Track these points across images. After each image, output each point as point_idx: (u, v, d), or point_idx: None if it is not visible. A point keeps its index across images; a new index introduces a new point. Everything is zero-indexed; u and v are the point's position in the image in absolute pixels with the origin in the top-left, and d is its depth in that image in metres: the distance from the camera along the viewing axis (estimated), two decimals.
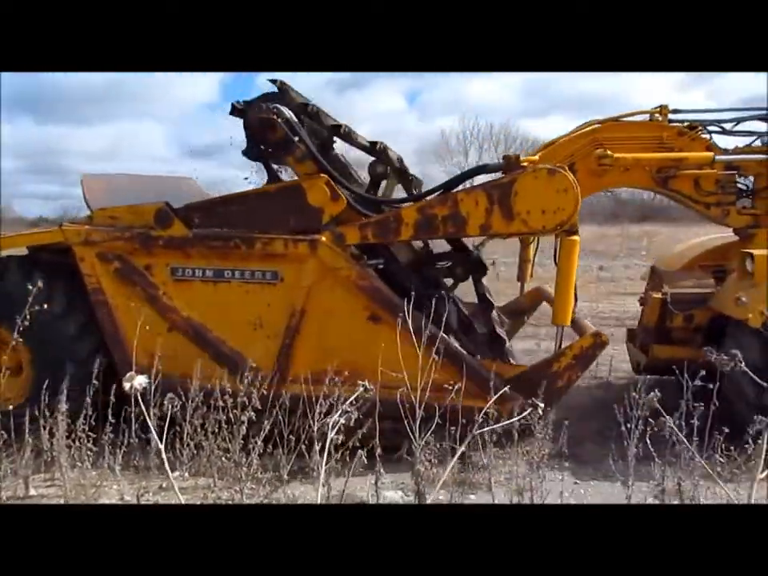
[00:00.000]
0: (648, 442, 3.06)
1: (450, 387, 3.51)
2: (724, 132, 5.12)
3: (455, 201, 4.38)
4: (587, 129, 5.16)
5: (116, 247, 4.53)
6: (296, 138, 4.51)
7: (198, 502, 3.61)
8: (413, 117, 79.48)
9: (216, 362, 4.44)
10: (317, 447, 3.24)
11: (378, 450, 3.39)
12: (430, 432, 3.31)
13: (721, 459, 3.35)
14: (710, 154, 4.92)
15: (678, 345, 5.06)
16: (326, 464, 2.77)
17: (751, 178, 5.01)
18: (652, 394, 2.91)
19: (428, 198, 4.64)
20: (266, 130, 4.53)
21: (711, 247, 5.66)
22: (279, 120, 4.51)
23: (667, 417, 2.80)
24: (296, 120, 4.66)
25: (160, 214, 4.52)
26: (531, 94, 78.31)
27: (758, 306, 4.28)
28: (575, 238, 4.42)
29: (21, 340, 3.90)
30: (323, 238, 4.37)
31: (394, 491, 3.93)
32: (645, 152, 4.90)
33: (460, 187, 4.71)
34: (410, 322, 3.79)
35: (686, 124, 5.13)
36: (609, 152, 4.74)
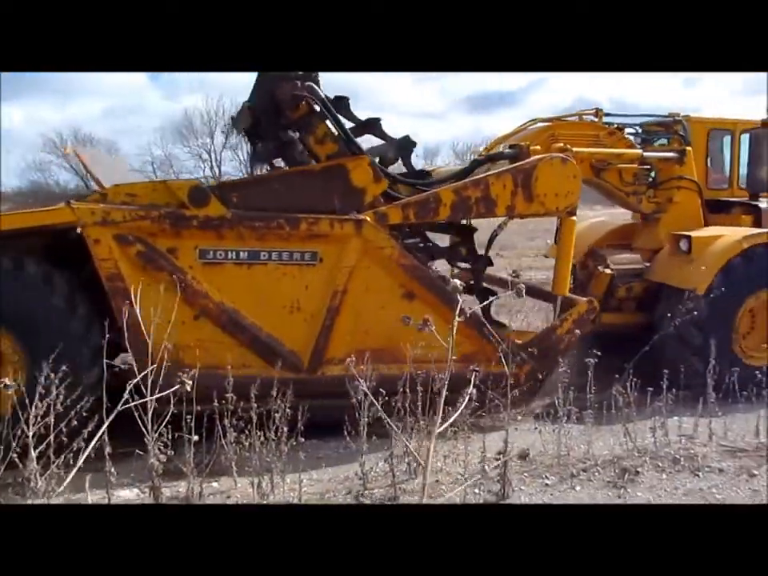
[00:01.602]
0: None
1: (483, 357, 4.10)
2: (637, 134, 6.36)
3: (487, 184, 4.67)
4: (545, 125, 6.03)
5: (139, 228, 4.10)
6: (323, 119, 4.52)
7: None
8: (156, 94, 79.50)
9: (250, 349, 4.29)
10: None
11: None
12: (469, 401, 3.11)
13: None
14: (639, 151, 5.88)
15: (620, 312, 5.98)
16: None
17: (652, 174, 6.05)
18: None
19: (462, 181, 4.79)
20: (294, 106, 4.45)
21: (612, 228, 6.80)
22: (314, 98, 4.46)
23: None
24: (328, 103, 4.59)
25: (195, 191, 4.20)
26: None
27: (701, 278, 5.34)
28: (574, 218, 5.02)
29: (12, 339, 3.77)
30: (367, 218, 4.37)
31: None
32: (586, 147, 5.60)
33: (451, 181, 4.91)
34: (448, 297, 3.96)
35: (615, 126, 6.13)
36: (568, 146, 5.16)
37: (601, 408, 4.09)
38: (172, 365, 3.39)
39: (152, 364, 3.10)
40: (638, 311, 5.96)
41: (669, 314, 5.10)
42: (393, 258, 4.43)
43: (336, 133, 4.56)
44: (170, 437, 3.15)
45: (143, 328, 3.49)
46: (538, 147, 5.06)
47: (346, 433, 3.68)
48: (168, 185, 4.27)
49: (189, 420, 3.35)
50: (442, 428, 2.53)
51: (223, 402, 3.48)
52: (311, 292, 4.36)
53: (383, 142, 4.99)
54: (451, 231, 5.30)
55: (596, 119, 6.26)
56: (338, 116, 4.62)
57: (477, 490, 3.54)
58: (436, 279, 4.59)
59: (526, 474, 3.73)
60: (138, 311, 3.45)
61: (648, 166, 5.95)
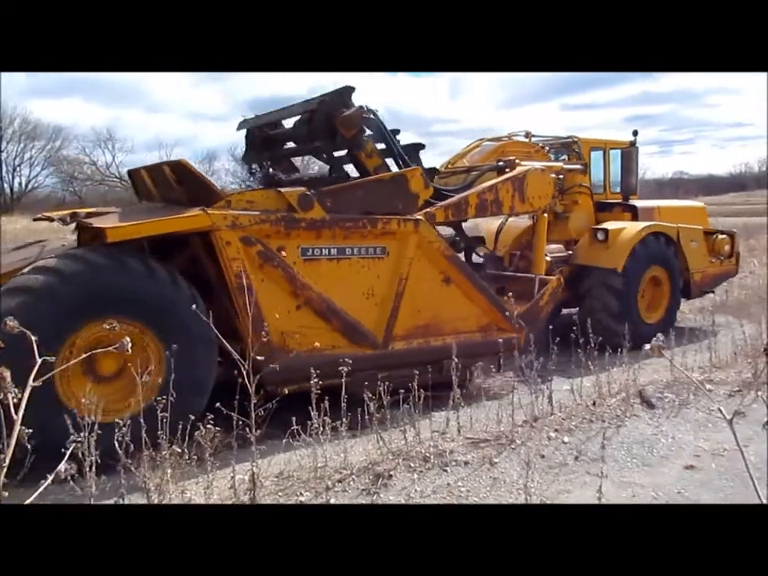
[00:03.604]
0: None
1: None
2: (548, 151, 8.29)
3: (497, 189, 6.05)
4: (497, 144, 7.89)
5: (260, 230, 4.66)
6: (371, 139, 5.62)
7: None
8: None
9: (339, 331, 5.01)
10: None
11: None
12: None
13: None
14: (560, 164, 7.62)
15: None
16: None
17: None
18: None
19: (480, 186, 6.07)
20: (354, 127, 5.40)
21: (529, 225, 7.82)
22: (376, 121, 5.63)
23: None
24: (384, 126, 5.75)
25: (304, 198, 4.87)
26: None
27: (618, 259, 7.31)
28: (546, 215, 6.84)
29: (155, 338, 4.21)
30: (422, 218, 5.38)
31: None
32: (525, 161, 6.81)
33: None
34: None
35: (540, 144, 8.09)
36: (517, 160, 6.55)
37: (355, 416, 4.11)
38: (279, 349, 4.55)
39: (271, 349, 4.27)
40: (566, 289, 7.21)
41: (590, 293, 7.28)
42: (439, 250, 5.48)
43: (377, 149, 5.68)
44: None
45: (264, 318, 4.52)
46: (515, 159, 6.52)
47: None
48: (280, 192, 4.88)
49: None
50: None
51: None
52: (381, 280, 5.23)
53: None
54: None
55: (526, 139, 8.19)
56: (391, 135, 5.77)
57: None
58: (467, 266, 5.95)
59: (280, 494, 3.61)
60: (260, 304, 4.43)
61: (561, 176, 7.42)
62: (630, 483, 3.79)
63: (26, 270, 4.17)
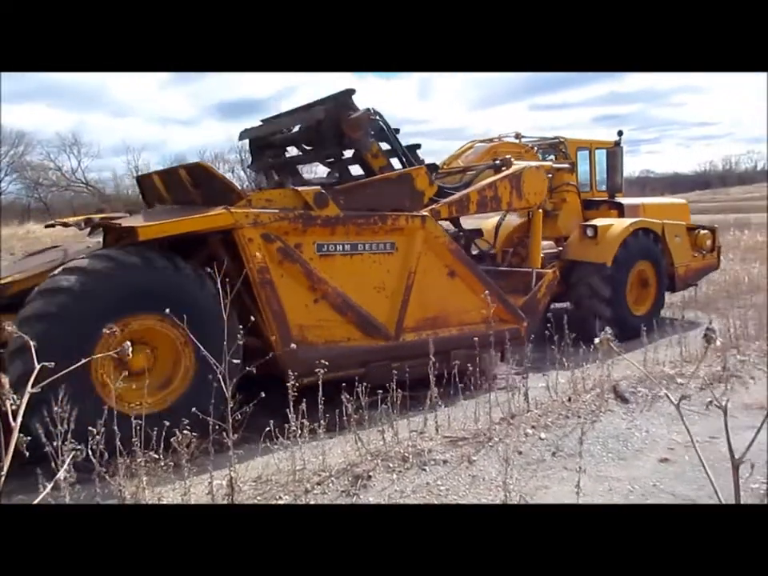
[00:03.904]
0: None
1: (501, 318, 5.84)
2: (552, 153, 8.79)
3: (496, 186, 6.34)
4: (490, 145, 8.31)
5: (279, 227, 4.82)
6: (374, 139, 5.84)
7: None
8: None
9: (353, 324, 5.18)
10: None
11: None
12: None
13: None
14: (550, 163, 7.87)
15: None
16: None
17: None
18: None
19: (479, 184, 6.35)
20: (360, 129, 5.61)
21: (520, 223, 8.55)
22: (381, 123, 5.90)
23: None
24: (389, 126, 6.01)
25: (320, 196, 5.05)
26: None
27: (607, 254, 7.63)
28: (541, 211, 7.13)
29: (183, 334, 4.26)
30: (428, 214, 5.61)
31: None
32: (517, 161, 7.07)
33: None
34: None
35: (530, 145, 8.44)
36: (513, 159, 6.82)
37: (333, 417, 4.09)
38: (299, 342, 4.68)
39: (292, 341, 4.50)
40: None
41: (582, 281, 7.63)
42: (445, 245, 5.72)
43: (382, 150, 5.93)
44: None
45: (285, 313, 4.78)
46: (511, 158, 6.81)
47: None
48: (297, 191, 5.04)
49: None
50: None
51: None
52: (391, 274, 5.42)
53: None
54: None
55: (516, 140, 8.61)
56: (395, 137, 6.01)
57: None
58: (470, 260, 6.19)
59: (258, 498, 3.57)
60: (280, 299, 4.75)
61: (550, 174, 7.49)
62: (607, 477, 3.83)
63: (58, 270, 4.27)
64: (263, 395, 3.62)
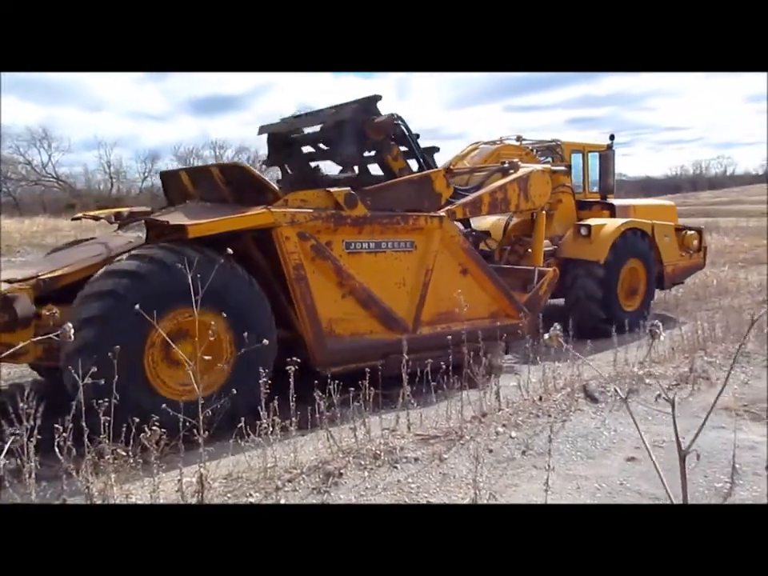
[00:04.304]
0: None
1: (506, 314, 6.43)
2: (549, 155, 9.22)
3: (506, 189, 6.71)
4: (494, 148, 8.75)
5: (313, 226, 5.12)
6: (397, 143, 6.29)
7: None
8: None
9: (376, 318, 5.52)
10: None
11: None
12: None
13: None
14: (548, 166, 7.92)
15: None
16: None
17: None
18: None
19: (490, 186, 6.73)
20: (383, 132, 6.06)
21: (516, 222, 8.91)
22: (402, 127, 6.26)
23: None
24: (409, 131, 6.37)
25: (350, 196, 5.37)
26: None
27: (600, 252, 8.08)
28: (544, 212, 7.54)
29: (228, 322, 4.58)
30: (445, 215, 5.97)
31: None
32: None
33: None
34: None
35: (532, 147, 8.91)
36: (519, 163, 7.18)
37: (305, 415, 4.09)
38: (328, 335, 5.16)
39: (323, 334, 5.05)
40: None
41: (576, 278, 8.04)
42: (459, 244, 6.11)
43: (401, 152, 6.32)
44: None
45: (317, 307, 5.10)
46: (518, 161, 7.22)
47: None
48: (329, 191, 5.34)
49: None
50: None
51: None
52: (411, 271, 5.78)
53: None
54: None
55: (518, 143, 9.12)
56: (415, 140, 6.35)
57: None
58: (482, 258, 6.50)
59: (228, 496, 3.55)
60: (313, 294, 5.07)
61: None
62: (575, 476, 3.88)
63: (123, 258, 4.59)
64: (235, 392, 3.60)
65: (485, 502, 3.40)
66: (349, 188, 5.47)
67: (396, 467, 3.95)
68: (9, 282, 4.71)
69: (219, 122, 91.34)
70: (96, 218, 6.70)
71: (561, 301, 8.64)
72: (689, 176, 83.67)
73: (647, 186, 65.67)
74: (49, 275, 4.81)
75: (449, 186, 6.29)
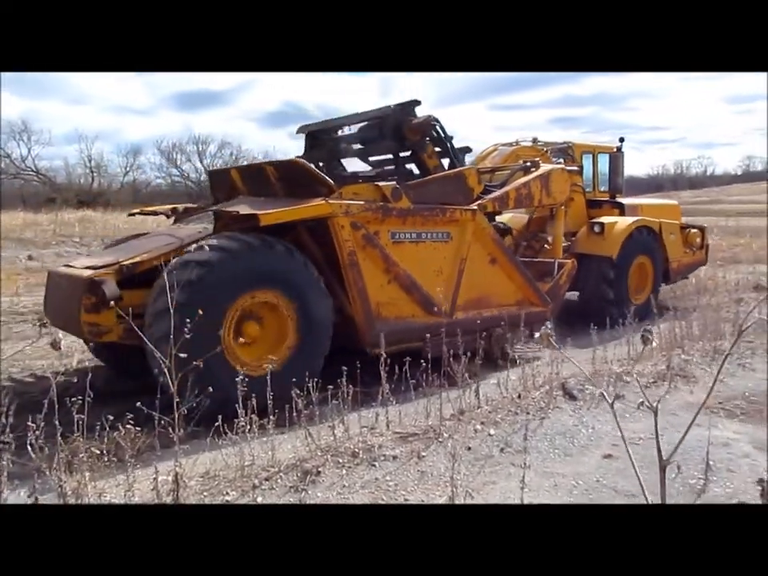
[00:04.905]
0: None
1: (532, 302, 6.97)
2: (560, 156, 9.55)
3: (529, 186, 7.20)
4: (512, 149, 9.28)
5: (364, 217, 5.58)
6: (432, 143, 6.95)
7: None
8: None
9: (417, 303, 5.97)
10: None
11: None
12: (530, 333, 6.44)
13: None
14: (563, 166, 8.21)
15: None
16: None
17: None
18: None
19: (517, 182, 7.23)
20: (420, 133, 6.74)
21: (529, 219, 9.55)
22: (438, 129, 6.86)
23: None
24: (445, 132, 6.96)
25: (395, 190, 5.85)
26: None
27: (613, 248, 8.66)
28: (563, 208, 8.01)
29: (294, 305, 5.16)
30: (477, 209, 6.45)
31: None
32: None
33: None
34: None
35: (546, 149, 9.27)
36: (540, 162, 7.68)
37: (282, 413, 4.07)
38: (376, 318, 5.63)
39: (372, 317, 5.57)
40: None
41: (590, 272, 8.48)
42: (490, 235, 6.61)
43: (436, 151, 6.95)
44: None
45: (367, 291, 5.58)
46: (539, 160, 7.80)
47: None
48: (378, 185, 5.84)
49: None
50: None
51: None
52: (447, 260, 6.26)
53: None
54: None
55: (533, 144, 9.56)
56: (451, 141, 6.94)
57: None
58: (509, 249, 7.15)
59: (205, 494, 3.52)
60: (364, 279, 5.56)
61: None
62: (553, 473, 3.90)
63: (193, 247, 4.91)
64: (211, 390, 3.57)
65: (462, 499, 3.41)
66: (395, 183, 5.94)
67: (374, 465, 3.95)
68: (91, 267, 5.21)
69: (203, 117, 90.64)
70: (155, 213, 7.29)
71: (570, 294, 8.90)
72: (670, 175, 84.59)
73: (630, 185, 65.87)
74: (129, 261, 5.20)
75: (480, 182, 6.77)
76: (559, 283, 7.54)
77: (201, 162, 49.89)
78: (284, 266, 5.17)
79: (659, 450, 1.71)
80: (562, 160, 9.41)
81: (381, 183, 5.91)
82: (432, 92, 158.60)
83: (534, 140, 9.77)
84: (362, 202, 5.62)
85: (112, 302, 4.48)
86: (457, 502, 3.36)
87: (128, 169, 48.20)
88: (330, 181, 5.75)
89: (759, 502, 3.38)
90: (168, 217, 6.97)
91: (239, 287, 4.91)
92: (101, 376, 5.87)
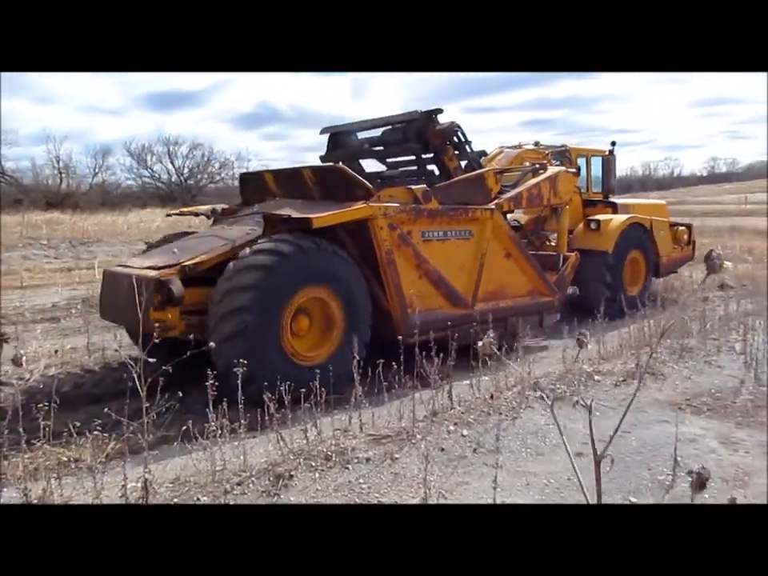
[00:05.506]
0: None
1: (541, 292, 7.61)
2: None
3: (539, 186, 7.78)
4: (517, 151, 9.88)
5: (399, 218, 6.04)
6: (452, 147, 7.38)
7: None
8: None
9: (443, 296, 6.49)
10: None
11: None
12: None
13: None
14: (563, 168, 8.72)
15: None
16: None
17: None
18: None
19: (528, 183, 7.79)
20: (442, 138, 7.21)
21: (530, 218, 10.16)
22: (460, 134, 7.31)
23: None
24: (465, 136, 7.42)
25: (426, 192, 6.35)
26: None
27: (609, 243, 9.31)
28: (568, 207, 8.51)
29: (341, 300, 5.71)
30: (494, 208, 6.99)
31: None
32: None
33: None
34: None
35: (547, 152, 9.88)
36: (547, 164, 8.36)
37: (254, 416, 4.03)
38: (409, 309, 5.98)
39: (408, 309, 5.99)
40: None
41: (587, 266, 8.89)
42: (506, 232, 7.20)
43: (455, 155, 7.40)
44: None
45: (402, 286, 6.05)
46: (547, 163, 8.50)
47: None
48: (411, 189, 6.32)
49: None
50: None
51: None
52: (469, 256, 6.79)
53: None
54: None
55: (536, 147, 10.21)
56: (469, 144, 7.44)
57: None
58: (522, 244, 7.70)
59: (176, 500, 3.47)
60: (399, 275, 6.05)
61: None
62: (525, 472, 3.93)
63: (248, 250, 5.36)
64: (181, 394, 3.52)
65: (435, 500, 3.41)
66: (425, 186, 6.45)
67: (347, 468, 3.93)
68: (153, 268, 5.55)
69: (176, 118, 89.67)
70: (196, 214, 7.75)
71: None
72: (638, 177, 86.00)
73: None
74: (191, 262, 5.50)
75: (497, 183, 7.34)
76: (565, 274, 8.14)
77: (171, 163, 49.35)
78: (332, 265, 5.66)
79: (593, 445, 1.76)
80: (559, 162, 9.88)
81: (414, 186, 6.39)
82: (405, 94, 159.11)
83: (536, 143, 10.44)
84: (397, 204, 6.08)
85: (178, 300, 4.97)
86: (430, 503, 3.37)
87: (97, 170, 47.42)
88: (369, 185, 6.19)
89: (717, 496, 3.45)
90: (208, 217, 7.40)
91: (295, 286, 5.40)
92: (68, 381, 5.76)
